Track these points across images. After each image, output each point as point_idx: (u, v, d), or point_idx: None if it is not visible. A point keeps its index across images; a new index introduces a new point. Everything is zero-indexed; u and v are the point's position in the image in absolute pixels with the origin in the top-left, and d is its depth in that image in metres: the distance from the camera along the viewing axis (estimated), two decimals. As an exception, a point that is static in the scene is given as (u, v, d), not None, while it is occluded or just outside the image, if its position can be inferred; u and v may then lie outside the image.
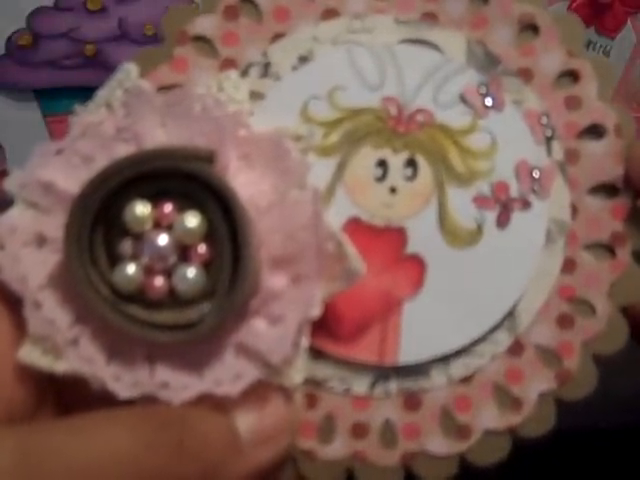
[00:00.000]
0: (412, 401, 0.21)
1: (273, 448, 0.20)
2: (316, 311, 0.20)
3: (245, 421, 0.20)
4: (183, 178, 0.19)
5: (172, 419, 0.18)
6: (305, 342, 0.20)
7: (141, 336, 0.19)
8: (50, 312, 0.20)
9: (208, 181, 0.19)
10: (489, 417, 0.21)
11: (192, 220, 0.19)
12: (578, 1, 0.42)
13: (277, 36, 0.22)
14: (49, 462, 0.16)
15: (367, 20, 0.22)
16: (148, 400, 0.19)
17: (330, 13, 0.22)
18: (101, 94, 0.22)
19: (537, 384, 0.21)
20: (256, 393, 0.20)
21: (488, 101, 0.22)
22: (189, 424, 0.18)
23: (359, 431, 0.21)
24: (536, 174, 0.22)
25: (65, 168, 0.21)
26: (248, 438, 0.19)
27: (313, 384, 0.21)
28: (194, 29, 0.22)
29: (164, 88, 0.21)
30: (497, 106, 0.22)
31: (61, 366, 0.20)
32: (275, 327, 0.20)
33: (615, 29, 0.42)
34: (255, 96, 0.22)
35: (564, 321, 0.22)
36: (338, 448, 0.21)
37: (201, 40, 0.22)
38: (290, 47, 0.22)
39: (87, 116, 0.21)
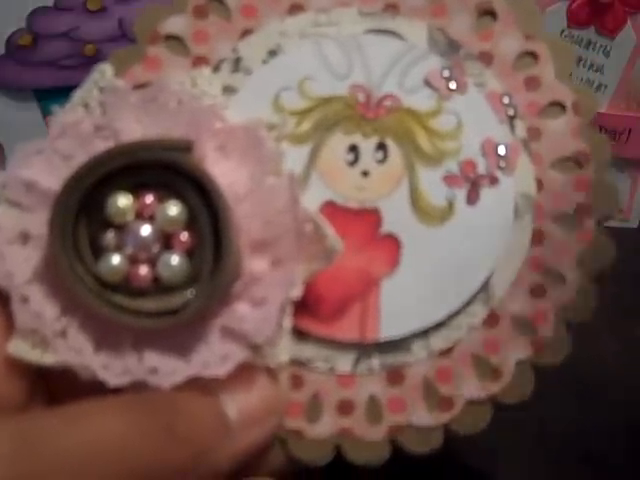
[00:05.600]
0: (395, 376, 0.23)
1: (262, 429, 0.21)
2: (297, 291, 0.22)
3: (234, 404, 0.21)
4: (162, 168, 0.21)
5: (162, 404, 0.20)
6: (288, 322, 0.22)
7: (128, 323, 0.21)
8: (37, 305, 0.21)
9: (187, 170, 0.21)
10: (470, 387, 0.23)
11: (173, 209, 0.21)
12: (578, 1, 0.43)
13: (246, 32, 0.24)
14: (47, 448, 0.17)
15: (332, 13, 0.24)
16: (138, 387, 0.21)
17: (296, 8, 0.24)
18: (78, 94, 0.23)
19: (514, 353, 0.23)
20: (243, 376, 0.21)
21: (452, 84, 0.23)
22: (179, 409, 0.20)
23: (345, 408, 0.23)
24: (501, 151, 0.23)
25: (46, 167, 0.22)
26: (237, 420, 0.21)
27: (298, 365, 0.23)
28: (165, 29, 0.24)
29: (139, 87, 0.22)
30: (460, 89, 0.24)
31: (50, 358, 0.21)
32: (258, 309, 0.21)
33: (615, 29, 0.43)
34: (228, 90, 0.24)
35: (536, 291, 0.23)
36: (325, 426, 0.23)
37: (173, 39, 0.24)
38: (259, 42, 0.24)
39: (65, 116, 0.22)
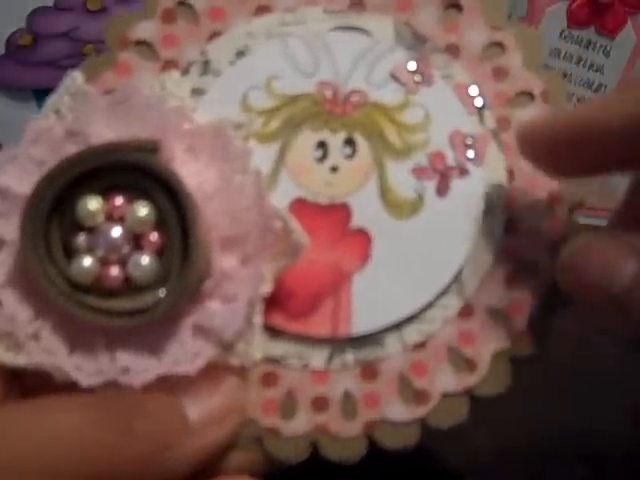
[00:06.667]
0: (369, 371, 0.23)
1: (222, 429, 0.22)
2: (266, 288, 0.22)
3: (194, 402, 0.22)
4: (130, 170, 0.21)
5: (122, 401, 0.21)
6: (259, 319, 0.22)
7: (100, 324, 0.21)
8: (10, 309, 0.22)
9: (154, 170, 0.21)
10: (446, 380, 0.23)
11: (142, 210, 0.21)
12: (578, 1, 0.44)
13: (214, 35, 0.24)
14: (9, 436, 0.19)
15: (298, 13, 0.24)
16: (110, 386, 0.21)
17: (263, 9, 0.24)
18: (50, 101, 0.24)
19: (490, 344, 0.23)
20: (206, 375, 0.22)
21: (418, 77, 0.24)
22: (138, 406, 0.21)
23: (320, 404, 0.23)
24: (470, 142, 0.24)
25: (20, 173, 0.23)
26: (197, 419, 0.21)
27: (272, 362, 0.23)
28: (135, 34, 0.24)
29: (110, 92, 0.23)
30: (427, 81, 0.24)
31: (24, 360, 0.22)
32: (228, 305, 0.22)
33: (615, 29, 0.44)
34: (197, 93, 0.24)
35: (511, 281, 0.23)
36: (301, 423, 0.23)
37: (142, 44, 0.24)
38: (227, 44, 0.24)
39: (38, 123, 0.23)
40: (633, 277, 0.19)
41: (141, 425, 0.20)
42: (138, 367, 0.22)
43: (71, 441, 0.19)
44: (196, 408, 0.21)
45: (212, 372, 0.22)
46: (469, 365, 0.23)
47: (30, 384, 0.22)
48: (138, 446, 0.19)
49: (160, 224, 0.22)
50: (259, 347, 0.22)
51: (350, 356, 0.23)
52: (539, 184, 0.24)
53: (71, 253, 0.22)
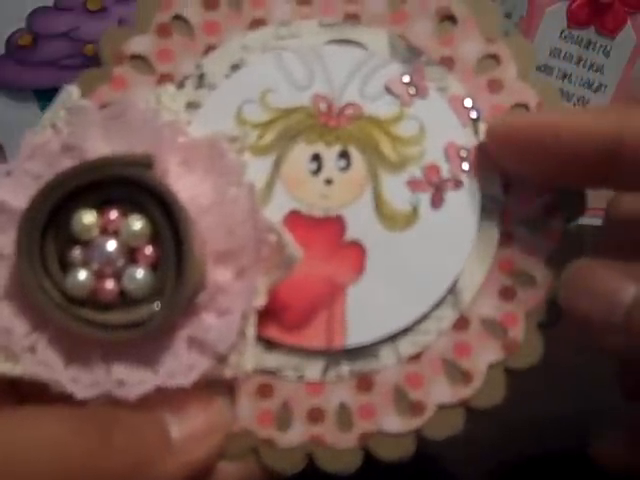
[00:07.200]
0: (364, 382, 0.23)
1: (204, 448, 0.22)
2: (260, 301, 0.22)
3: (179, 421, 0.22)
4: (125, 184, 0.22)
5: (102, 414, 0.21)
6: (252, 331, 0.22)
7: (96, 337, 0.22)
8: (6, 322, 0.22)
9: (147, 184, 0.21)
10: (441, 392, 0.23)
11: (136, 224, 0.22)
12: (578, 1, 0.44)
13: (209, 48, 0.25)
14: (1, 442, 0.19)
15: (293, 26, 0.25)
16: (105, 399, 0.21)
17: (257, 22, 0.25)
18: (46, 116, 0.24)
19: (485, 356, 0.23)
20: (191, 392, 0.22)
21: (412, 90, 0.24)
22: (118, 420, 0.21)
23: (315, 416, 0.23)
24: (465, 154, 0.24)
25: (16, 188, 0.23)
26: (179, 437, 0.22)
27: (267, 374, 0.23)
28: (130, 48, 0.25)
29: (105, 107, 0.23)
30: (421, 94, 0.24)
31: (21, 371, 0.22)
32: (223, 319, 0.22)
33: (615, 29, 0.44)
34: (192, 106, 0.24)
35: (506, 293, 0.23)
36: (296, 434, 0.23)
37: (138, 58, 0.25)
38: (222, 57, 0.25)
39: (35, 137, 0.23)
40: (634, 298, 0.20)
41: (120, 438, 0.20)
42: (133, 380, 0.22)
43: (53, 448, 0.19)
44: (180, 426, 0.22)
45: (202, 392, 0.22)
46: (464, 377, 0.23)
47: (27, 391, 0.22)
48: (117, 458, 0.20)
49: (155, 238, 0.22)
50: (251, 358, 0.22)
51: (345, 368, 0.23)
52: (535, 196, 0.24)
53: (67, 266, 0.22)
